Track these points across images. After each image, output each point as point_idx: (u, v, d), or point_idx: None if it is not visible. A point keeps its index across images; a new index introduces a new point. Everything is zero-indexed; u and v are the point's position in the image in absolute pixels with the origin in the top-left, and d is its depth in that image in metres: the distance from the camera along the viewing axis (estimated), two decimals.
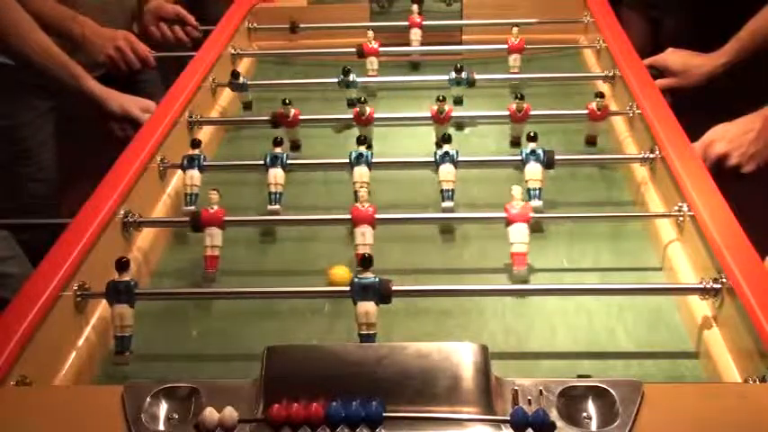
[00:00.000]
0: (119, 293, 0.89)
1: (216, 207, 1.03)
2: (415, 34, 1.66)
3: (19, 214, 1.66)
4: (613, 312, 0.96)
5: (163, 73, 1.87)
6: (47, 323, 0.85)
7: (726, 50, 1.55)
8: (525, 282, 1.01)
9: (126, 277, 0.90)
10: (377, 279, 0.88)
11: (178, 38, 1.85)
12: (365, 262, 0.88)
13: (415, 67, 1.66)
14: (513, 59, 1.54)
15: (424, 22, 1.67)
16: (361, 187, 1.03)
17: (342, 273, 0.99)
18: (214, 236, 1.02)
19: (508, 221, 1.00)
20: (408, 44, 1.66)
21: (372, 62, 1.56)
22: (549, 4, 1.72)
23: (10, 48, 1.49)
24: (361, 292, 0.87)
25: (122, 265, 0.90)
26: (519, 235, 0.99)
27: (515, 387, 0.72)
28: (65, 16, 1.63)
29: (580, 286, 0.98)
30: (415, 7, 1.69)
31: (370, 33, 1.57)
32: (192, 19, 1.87)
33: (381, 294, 0.87)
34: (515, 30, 1.54)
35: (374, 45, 1.56)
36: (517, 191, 1.01)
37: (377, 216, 1.01)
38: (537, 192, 1.11)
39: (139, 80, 1.85)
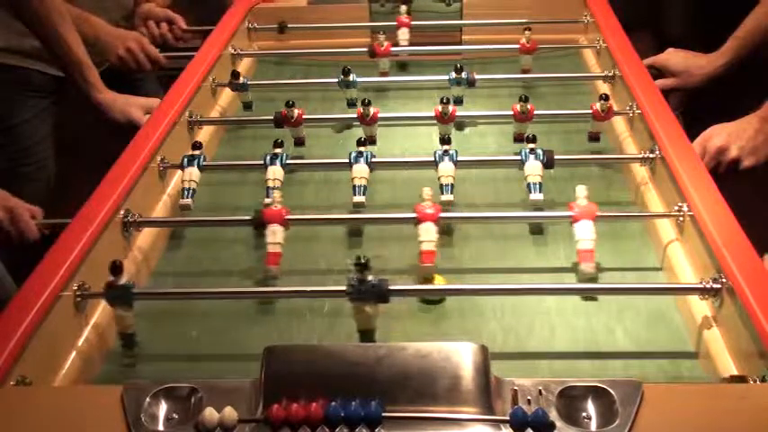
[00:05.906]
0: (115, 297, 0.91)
1: (279, 206, 1.05)
2: (403, 34, 1.66)
3: None
4: (613, 312, 0.96)
5: (160, 72, 1.87)
6: (47, 323, 0.85)
7: (724, 51, 1.55)
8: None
9: (122, 280, 0.91)
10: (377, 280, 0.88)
11: (163, 36, 1.87)
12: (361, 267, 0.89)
13: (402, 67, 1.67)
14: (525, 60, 1.55)
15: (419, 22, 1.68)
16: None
17: (440, 280, 1.02)
18: (276, 233, 1.04)
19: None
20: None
21: (385, 63, 1.58)
22: (549, 4, 1.72)
23: (35, 30, 1.51)
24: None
25: (116, 268, 0.90)
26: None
27: (515, 387, 0.72)
28: (77, 17, 1.63)
29: (580, 286, 0.98)
30: (403, 8, 1.70)
31: (382, 36, 1.58)
32: (179, 19, 1.89)
33: (379, 294, 0.88)
34: (528, 32, 1.54)
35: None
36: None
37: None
38: (537, 186, 1.12)
39: (137, 79, 1.85)
